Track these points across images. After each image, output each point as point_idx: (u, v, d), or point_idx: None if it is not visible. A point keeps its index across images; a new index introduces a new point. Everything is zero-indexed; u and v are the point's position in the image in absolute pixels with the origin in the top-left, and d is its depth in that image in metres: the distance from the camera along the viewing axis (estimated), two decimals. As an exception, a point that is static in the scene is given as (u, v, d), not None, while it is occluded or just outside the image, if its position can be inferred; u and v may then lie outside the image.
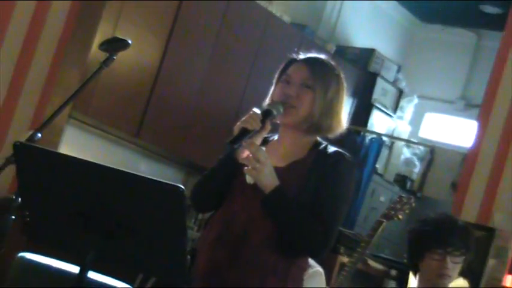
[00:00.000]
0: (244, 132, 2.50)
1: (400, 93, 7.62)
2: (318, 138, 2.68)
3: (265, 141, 2.68)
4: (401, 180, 7.51)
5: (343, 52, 7.04)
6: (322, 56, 2.73)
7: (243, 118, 2.54)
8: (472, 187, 5.58)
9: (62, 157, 2.65)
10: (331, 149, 2.64)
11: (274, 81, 2.69)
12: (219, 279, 2.53)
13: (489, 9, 7.47)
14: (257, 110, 2.55)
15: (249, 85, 5.92)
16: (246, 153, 2.50)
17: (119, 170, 2.28)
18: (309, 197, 2.52)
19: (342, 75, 2.70)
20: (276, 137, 2.72)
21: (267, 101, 2.67)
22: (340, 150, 2.63)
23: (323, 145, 2.66)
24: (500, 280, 5.29)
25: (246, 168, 2.50)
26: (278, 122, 2.63)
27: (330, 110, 2.62)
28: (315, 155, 2.62)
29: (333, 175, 2.57)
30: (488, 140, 5.62)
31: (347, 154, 2.63)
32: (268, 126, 2.59)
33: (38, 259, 3.71)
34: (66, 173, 2.37)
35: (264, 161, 2.48)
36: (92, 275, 3.28)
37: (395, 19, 8.13)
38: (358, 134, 7.07)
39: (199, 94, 5.66)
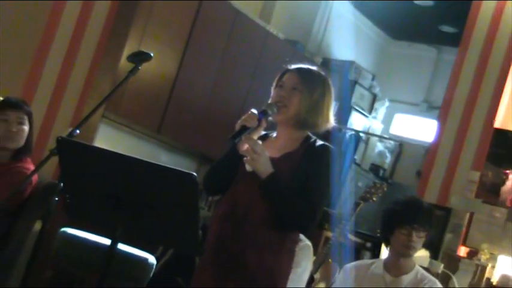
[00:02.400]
0: (244, 129, 2.49)
1: (374, 98, 7.60)
2: (309, 134, 2.66)
3: (265, 137, 2.67)
4: (375, 169, 7.50)
5: (328, 63, 7.00)
6: (313, 67, 2.71)
7: (243, 117, 2.53)
8: (433, 174, 5.58)
9: (97, 150, 2.64)
10: (319, 142, 2.62)
11: (273, 87, 2.67)
12: (225, 250, 2.51)
13: (447, 29, 7.47)
14: (254, 111, 2.54)
15: (250, 90, 5.91)
16: (245, 146, 2.49)
17: (143, 160, 2.28)
18: (299, 181, 2.51)
19: (329, 82, 2.68)
20: (274, 134, 2.70)
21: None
22: (326, 143, 2.62)
23: (312, 139, 2.64)
24: (455, 251, 5.29)
25: (245, 158, 2.49)
26: (271, 119, 2.61)
27: (316, 108, 2.60)
28: (305, 147, 2.61)
29: (319, 163, 2.55)
30: (446, 136, 5.61)
31: (332, 146, 2.61)
32: (264, 124, 2.58)
33: (77, 233, 3.71)
34: (99, 162, 2.37)
35: (260, 153, 2.47)
36: (121, 246, 3.28)
37: (371, 36, 8.11)
38: (340, 131, 7.04)
39: (209, 98, 5.64)
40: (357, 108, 7.31)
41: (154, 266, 3.69)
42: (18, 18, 4.80)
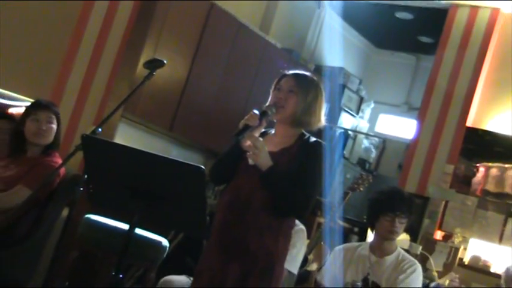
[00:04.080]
0: (246, 127, 2.49)
1: (361, 100, 7.59)
2: (303, 131, 2.66)
3: (264, 134, 2.67)
4: (362, 162, 7.50)
5: (320, 69, 6.99)
6: (307, 72, 2.71)
7: (246, 117, 2.53)
8: (413, 167, 5.59)
9: (116, 145, 2.63)
10: (312, 138, 2.62)
11: (271, 90, 2.67)
12: (229, 234, 2.51)
13: (425, 39, 7.46)
14: (256, 111, 2.54)
15: (251, 93, 5.90)
16: (248, 142, 2.49)
17: (157, 154, 2.28)
18: (295, 172, 2.50)
19: (321, 85, 2.68)
20: (272, 131, 2.70)
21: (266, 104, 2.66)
22: (319, 139, 2.62)
23: (306, 136, 2.64)
24: (432, 234, 5.30)
25: (248, 153, 2.49)
26: (271, 118, 2.61)
27: (309, 109, 2.60)
28: (300, 143, 2.61)
29: (312, 157, 2.55)
30: (424, 133, 5.62)
31: (323, 142, 2.61)
32: (264, 123, 2.58)
33: (99, 219, 3.71)
34: (119, 157, 2.37)
35: (260, 148, 2.47)
36: (138, 230, 3.28)
37: (358, 46, 8.10)
38: (330, 129, 7.04)
39: (215, 100, 5.64)
40: (345, 109, 7.30)
41: (167, 248, 3.69)
42: (46, 26, 4.80)
